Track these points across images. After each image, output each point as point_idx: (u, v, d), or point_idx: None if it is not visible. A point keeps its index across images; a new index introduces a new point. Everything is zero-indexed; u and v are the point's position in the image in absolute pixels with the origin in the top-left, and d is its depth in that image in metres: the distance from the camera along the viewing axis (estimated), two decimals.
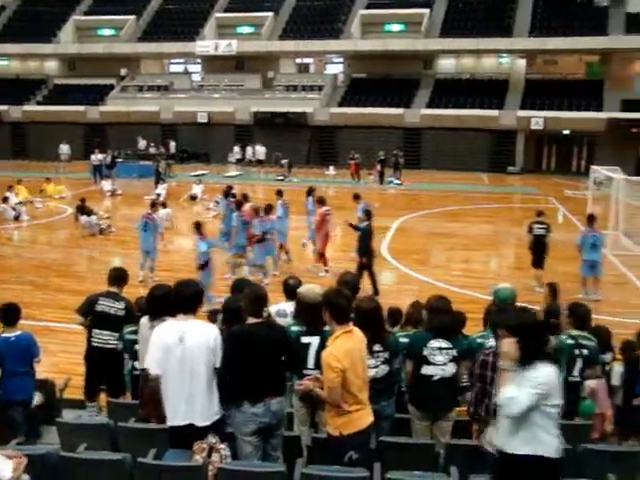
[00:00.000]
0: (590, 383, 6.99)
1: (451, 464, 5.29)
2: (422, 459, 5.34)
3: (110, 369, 7.32)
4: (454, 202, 26.98)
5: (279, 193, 17.10)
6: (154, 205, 15.59)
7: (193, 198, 26.52)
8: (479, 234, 21.06)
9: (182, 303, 5.24)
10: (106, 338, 7.41)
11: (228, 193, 17.88)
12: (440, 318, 5.96)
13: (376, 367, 5.74)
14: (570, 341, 6.58)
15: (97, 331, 7.46)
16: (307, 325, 5.84)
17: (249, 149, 38.46)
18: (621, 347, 7.54)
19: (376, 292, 13.17)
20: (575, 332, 6.69)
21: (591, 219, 14.40)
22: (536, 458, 4.23)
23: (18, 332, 6.90)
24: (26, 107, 45.26)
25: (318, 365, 5.57)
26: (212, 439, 4.96)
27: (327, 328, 5.65)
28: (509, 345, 4.32)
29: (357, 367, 5.01)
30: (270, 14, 45.35)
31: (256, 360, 5.18)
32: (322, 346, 5.51)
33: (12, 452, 4.52)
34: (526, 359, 4.28)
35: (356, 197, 16.34)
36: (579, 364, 6.62)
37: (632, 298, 14.13)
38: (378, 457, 5.29)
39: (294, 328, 5.89)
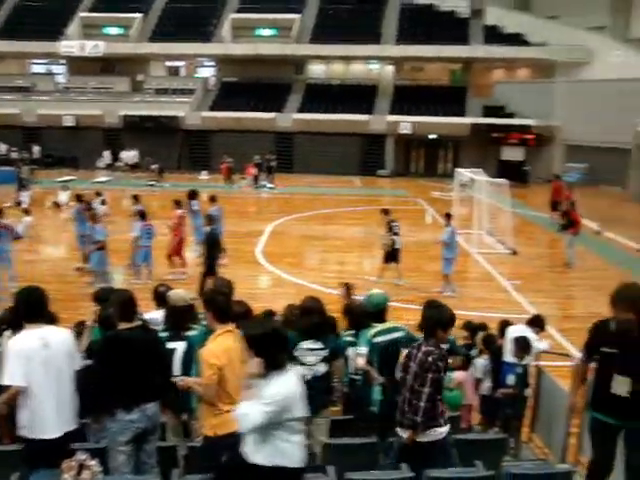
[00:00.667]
0: (457, 375, 7.31)
1: (328, 463, 5.35)
2: None
3: None
4: (327, 205, 27.41)
5: (135, 198, 16.85)
6: (1, 212, 14.81)
7: (58, 205, 25.38)
8: (351, 236, 21.49)
9: (32, 310, 5.07)
10: None
11: (81, 199, 17.40)
12: (311, 319, 6.04)
13: None
14: None
15: None
16: (173, 330, 5.81)
17: (123, 153, 37.27)
18: (483, 340, 7.93)
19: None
20: None
21: (449, 217, 14.97)
22: (278, 469, 4.27)
23: None
24: None
25: (184, 371, 5.61)
26: (81, 456, 4.76)
27: (193, 333, 5.70)
28: (256, 364, 4.23)
29: (235, 366, 4.99)
30: (139, 15, 44.31)
31: (131, 364, 5.11)
32: (188, 352, 5.59)
33: None
34: (264, 372, 4.23)
35: (212, 199, 16.47)
36: None
37: (495, 293, 14.91)
38: None
39: (162, 334, 5.82)
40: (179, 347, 5.75)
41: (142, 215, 15.03)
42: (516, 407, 7.26)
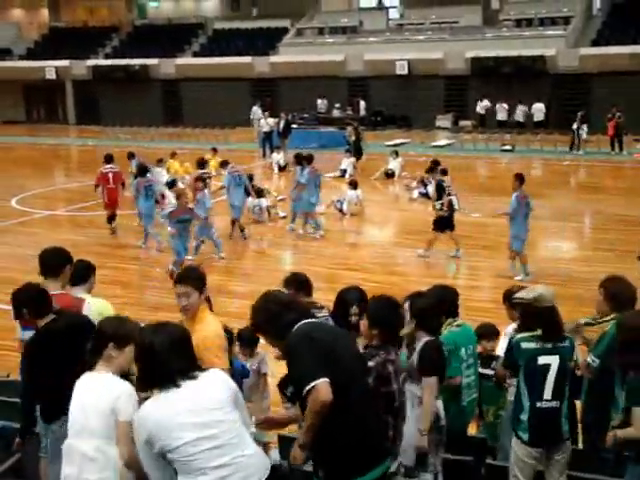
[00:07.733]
0: None
1: None
2: None
3: None
4: None
5: (301, 159, 19.10)
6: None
7: (389, 175, 26.75)
8: None
9: None
10: None
11: (301, 160, 19.23)
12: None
13: None
14: None
15: None
16: (546, 340, 5.99)
17: (502, 106, 37.40)
18: None
19: None
20: None
21: (520, 179, 14.75)
22: None
23: None
24: (180, 60, 48.19)
25: (558, 395, 5.88)
26: None
27: (565, 344, 5.94)
28: None
29: None
30: None
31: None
32: (562, 368, 5.86)
33: None
34: None
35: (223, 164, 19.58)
36: None
37: None
38: None
39: (529, 346, 6.01)
40: (553, 362, 5.85)
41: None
42: None
